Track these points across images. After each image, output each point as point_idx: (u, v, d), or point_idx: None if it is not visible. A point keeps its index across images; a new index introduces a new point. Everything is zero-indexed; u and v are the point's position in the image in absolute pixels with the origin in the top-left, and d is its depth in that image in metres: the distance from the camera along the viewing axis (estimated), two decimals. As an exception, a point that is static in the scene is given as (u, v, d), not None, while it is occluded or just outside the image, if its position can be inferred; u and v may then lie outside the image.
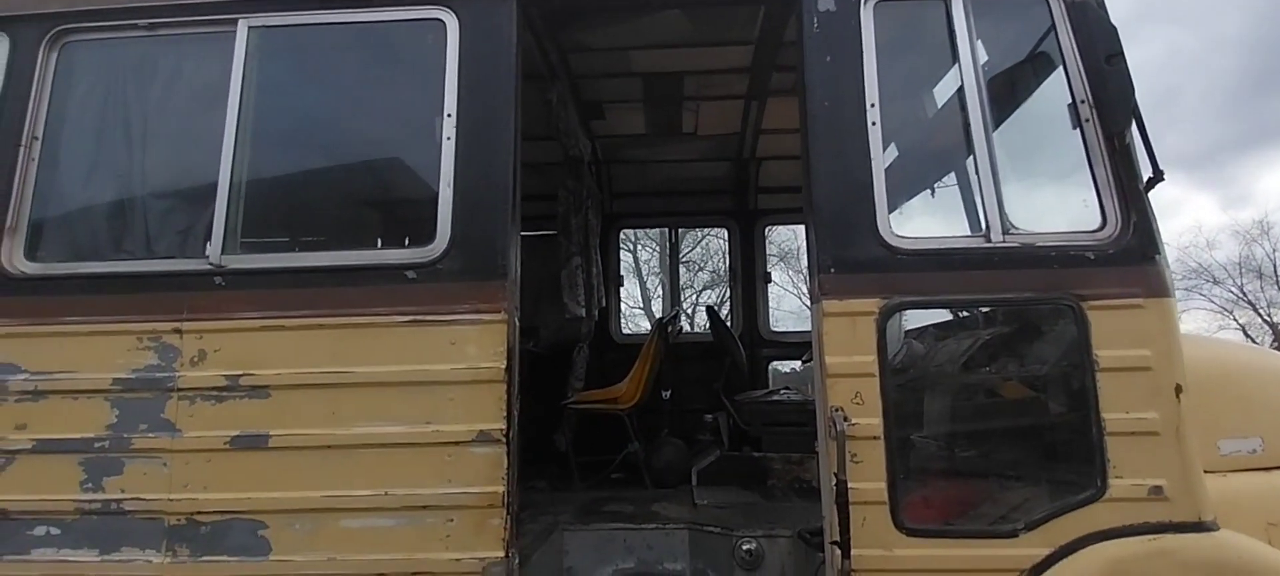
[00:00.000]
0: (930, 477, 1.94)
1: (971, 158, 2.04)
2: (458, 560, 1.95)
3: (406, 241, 2.18)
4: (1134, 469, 1.84)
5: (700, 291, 17.41)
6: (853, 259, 1.99)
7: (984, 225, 2.00)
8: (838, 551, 1.85)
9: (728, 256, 5.31)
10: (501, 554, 1.94)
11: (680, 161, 5.01)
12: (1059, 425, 1.92)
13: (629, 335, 5.46)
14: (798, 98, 2.18)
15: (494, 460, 1.99)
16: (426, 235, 2.14)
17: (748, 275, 5.09)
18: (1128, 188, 1.96)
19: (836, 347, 1.95)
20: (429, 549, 1.96)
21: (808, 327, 5.28)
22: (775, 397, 4.06)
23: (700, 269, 17.41)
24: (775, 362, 4.90)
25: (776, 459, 3.83)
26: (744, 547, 2.63)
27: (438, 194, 2.14)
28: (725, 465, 3.89)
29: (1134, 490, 1.84)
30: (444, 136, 2.17)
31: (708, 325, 4.39)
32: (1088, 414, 1.87)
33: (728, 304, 5.07)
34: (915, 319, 2.04)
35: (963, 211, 2.22)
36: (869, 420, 1.91)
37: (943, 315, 2.03)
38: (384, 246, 2.20)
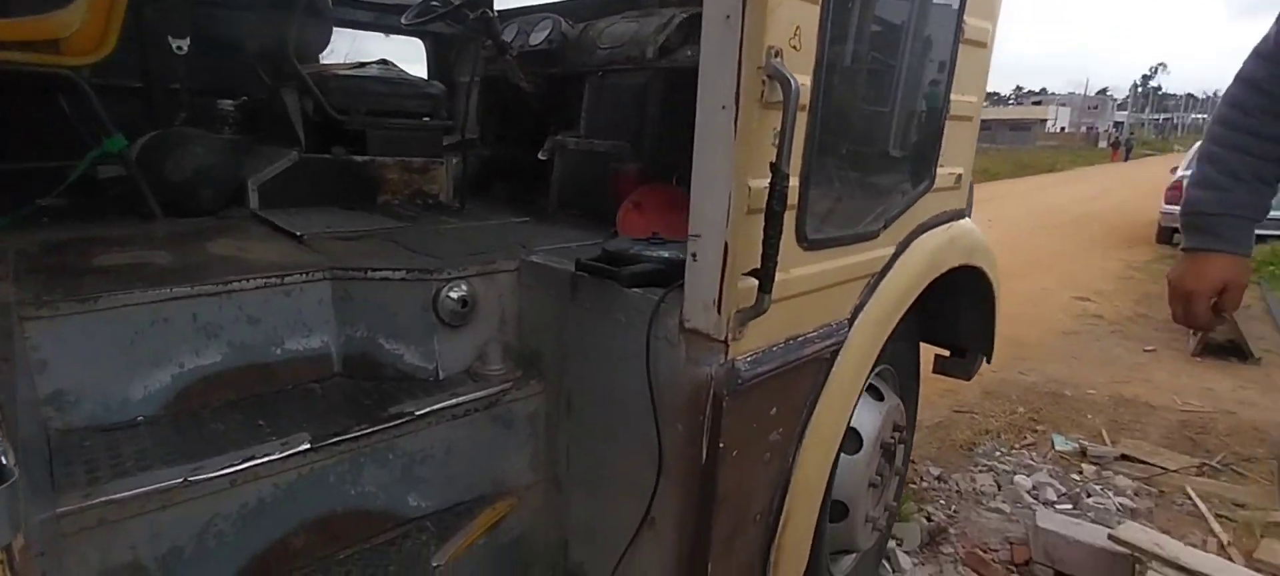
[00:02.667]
0: (829, 173, 1.39)
1: None
2: None
3: None
4: (952, 157, 1.72)
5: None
6: None
7: None
8: (755, 282, 1.17)
9: None
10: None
11: None
12: (921, 110, 1.61)
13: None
14: None
15: None
16: None
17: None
18: None
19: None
20: None
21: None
22: (378, 75, 2.72)
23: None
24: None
25: (391, 165, 2.65)
26: (452, 294, 1.64)
27: None
28: (306, 174, 2.48)
29: (947, 179, 1.73)
30: None
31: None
32: (942, 94, 1.60)
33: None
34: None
35: None
36: (803, 78, 1.17)
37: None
38: None
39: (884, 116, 1.54)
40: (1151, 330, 6.10)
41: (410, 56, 3.24)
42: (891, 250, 1.60)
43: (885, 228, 1.56)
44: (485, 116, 3.46)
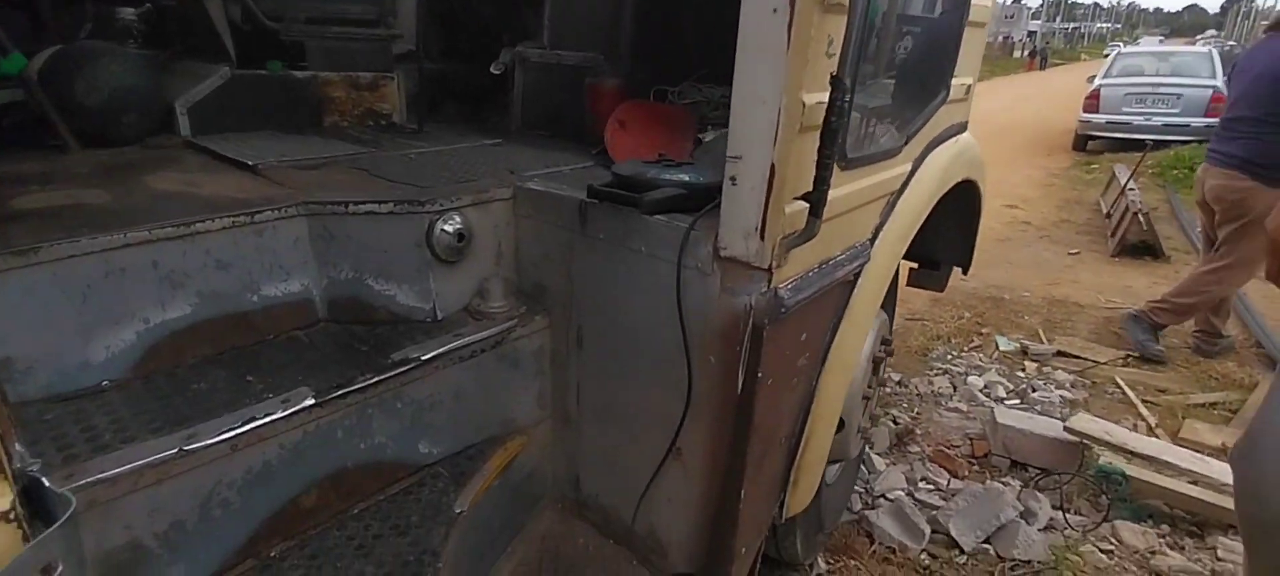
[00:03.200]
0: (862, 90, 1.31)
1: None
2: None
3: None
4: (964, 67, 1.67)
5: None
6: None
7: None
8: (803, 206, 1.10)
9: None
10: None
11: None
12: (945, 15, 1.53)
13: None
14: None
15: None
16: None
17: None
18: None
19: None
20: None
21: None
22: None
23: None
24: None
25: (337, 82, 2.39)
26: (447, 228, 1.50)
27: None
28: (241, 94, 2.19)
29: (959, 90, 1.69)
30: None
31: None
32: (966, 4, 1.53)
33: None
34: None
35: None
36: (858, -23, 1.07)
37: None
38: None
39: (914, 21, 1.46)
40: (1074, 234, 6.52)
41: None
42: (909, 167, 1.57)
43: (906, 143, 1.51)
44: (426, 25, 3.15)
